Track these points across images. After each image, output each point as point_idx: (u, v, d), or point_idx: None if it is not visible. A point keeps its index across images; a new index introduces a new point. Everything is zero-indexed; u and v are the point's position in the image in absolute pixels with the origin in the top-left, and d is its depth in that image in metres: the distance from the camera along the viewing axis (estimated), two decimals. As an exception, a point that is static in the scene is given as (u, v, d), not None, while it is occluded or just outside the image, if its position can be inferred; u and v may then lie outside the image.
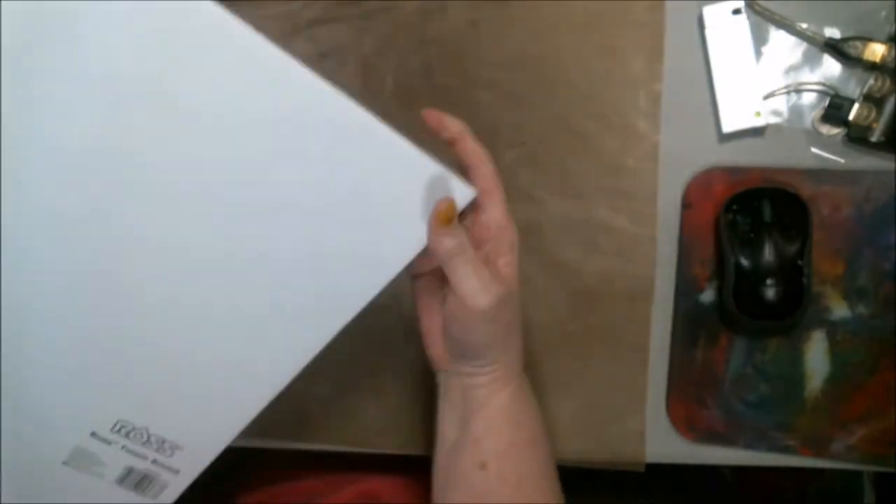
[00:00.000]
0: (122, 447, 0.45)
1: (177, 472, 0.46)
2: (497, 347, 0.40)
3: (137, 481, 0.46)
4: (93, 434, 0.44)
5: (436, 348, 0.43)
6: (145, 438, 0.45)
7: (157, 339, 0.43)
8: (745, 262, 0.53)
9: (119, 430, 0.44)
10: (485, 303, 0.38)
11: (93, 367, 0.43)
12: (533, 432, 0.43)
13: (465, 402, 0.42)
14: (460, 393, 0.42)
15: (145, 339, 0.43)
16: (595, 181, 0.55)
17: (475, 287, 0.38)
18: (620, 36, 0.55)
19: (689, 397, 0.56)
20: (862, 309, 0.54)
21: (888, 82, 0.51)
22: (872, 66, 0.52)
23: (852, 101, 0.52)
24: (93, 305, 0.42)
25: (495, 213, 0.40)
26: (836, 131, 0.53)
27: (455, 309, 0.39)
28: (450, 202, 0.38)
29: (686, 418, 0.56)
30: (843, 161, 0.53)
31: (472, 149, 0.41)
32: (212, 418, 0.46)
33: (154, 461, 0.46)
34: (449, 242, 0.38)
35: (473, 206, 0.41)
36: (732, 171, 0.54)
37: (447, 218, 0.38)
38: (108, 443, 0.45)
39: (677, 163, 0.55)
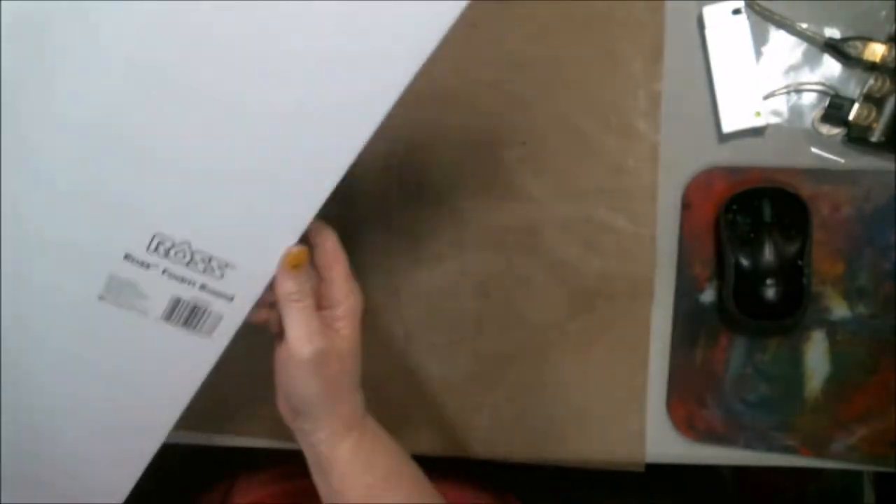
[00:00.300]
0: (164, 271, 0.39)
1: (230, 298, 0.41)
2: (322, 402, 0.42)
3: (187, 315, 0.41)
4: (127, 257, 0.38)
5: (281, 404, 0.44)
6: (188, 257, 0.39)
7: (191, 136, 0.37)
8: (745, 262, 0.53)
9: (157, 249, 0.38)
10: (306, 352, 0.40)
11: (116, 174, 0.37)
12: (389, 467, 0.44)
13: (317, 461, 0.43)
14: (311, 453, 0.43)
15: (177, 135, 0.37)
16: (595, 181, 0.55)
17: (300, 335, 0.40)
18: (620, 36, 0.55)
19: (689, 397, 0.56)
20: (862, 309, 0.54)
21: (888, 82, 0.51)
22: (872, 66, 0.52)
23: (852, 101, 0.52)
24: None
25: (335, 287, 0.42)
26: (836, 131, 0.53)
27: (282, 355, 0.41)
28: (302, 250, 0.40)
29: (686, 418, 0.56)
30: (843, 161, 0.53)
31: (314, 226, 0.42)
32: (264, 225, 0.40)
33: (203, 286, 0.40)
34: (289, 286, 0.40)
35: (318, 278, 0.43)
36: (732, 171, 0.54)
37: (295, 262, 0.40)
38: (146, 266, 0.39)
39: (677, 163, 0.55)
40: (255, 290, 0.41)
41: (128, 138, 0.36)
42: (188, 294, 0.40)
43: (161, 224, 0.38)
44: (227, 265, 0.39)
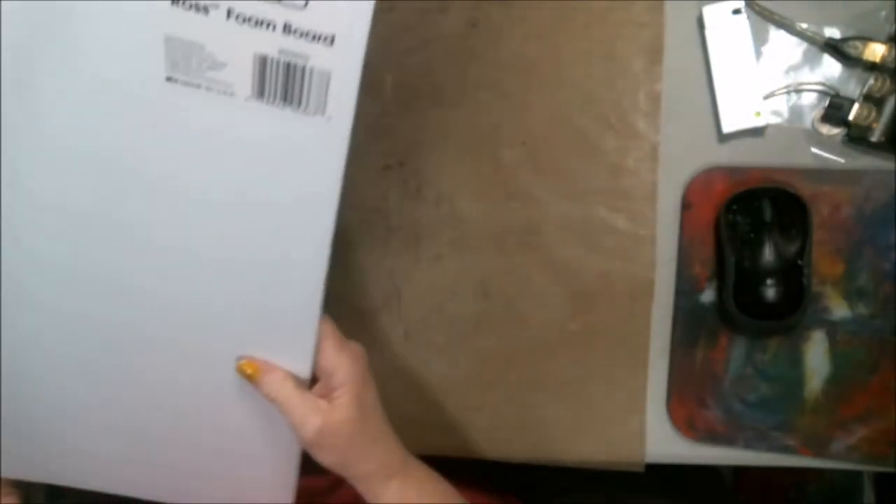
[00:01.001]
0: (227, 13, 0.29)
1: (330, 39, 0.30)
2: (347, 465, 0.44)
3: (283, 81, 0.31)
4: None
5: None
6: None
7: None
8: (745, 262, 0.53)
9: None
10: (307, 434, 0.42)
11: None
12: None
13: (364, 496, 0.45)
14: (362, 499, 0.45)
15: None
16: (595, 181, 0.55)
17: (296, 423, 0.42)
18: (620, 36, 0.55)
19: (690, 397, 0.56)
20: (862, 309, 0.54)
21: (888, 82, 0.51)
22: (872, 66, 0.52)
23: (852, 101, 0.52)
24: None
25: (324, 358, 0.43)
26: (836, 131, 0.53)
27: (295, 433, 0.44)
28: (247, 362, 0.43)
29: (686, 418, 0.56)
30: (843, 161, 0.53)
31: None
32: None
33: (287, 27, 0.30)
34: (262, 390, 0.43)
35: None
36: (732, 171, 0.54)
37: (246, 375, 0.43)
38: (205, 11, 0.29)
39: (677, 163, 0.55)
40: (362, 22, 0.30)
41: None
42: (272, 46, 0.30)
43: None
44: None
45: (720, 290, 0.54)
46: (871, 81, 0.52)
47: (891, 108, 0.51)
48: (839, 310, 0.54)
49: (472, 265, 0.57)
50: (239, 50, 0.30)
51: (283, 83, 0.31)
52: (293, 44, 0.30)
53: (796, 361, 0.55)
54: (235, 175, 0.35)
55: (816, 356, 0.54)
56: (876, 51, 0.51)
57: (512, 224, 0.56)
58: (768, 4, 0.52)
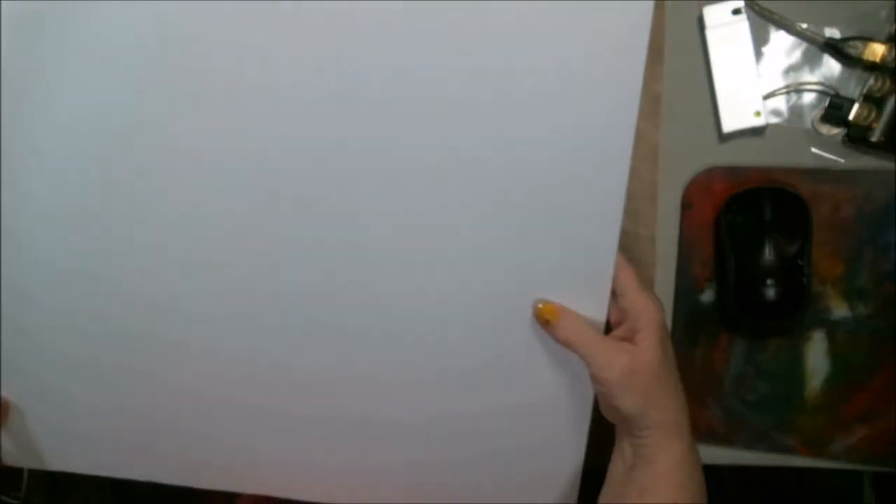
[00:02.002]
0: None
1: None
2: (641, 413, 0.42)
3: None
4: None
5: (605, 413, 0.46)
6: None
7: None
8: (745, 262, 0.53)
9: None
10: (612, 376, 0.41)
11: None
12: (699, 499, 0.44)
13: (635, 454, 0.43)
14: (629, 447, 0.44)
15: None
16: (595, 181, 0.55)
17: (599, 363, 0.42)
18: (620, 36, 0.55)
19: (690, 397, 0.55)
20: (862, 309, 0.54)
21: (888, 82, 0.51)
22: (872, 66, 0.52)
23: (852, 101, 0.52)
24: None
25: (628, 299, 0.43)
26: (836, 131, 0.53)
27: (594, 379, 0.43)
28: (545, 305, 0.43)
29: (686, 418, 0.56)
30: (843, 161, 0.53)
31: None
32: None
33: None
34: (560, 335, 0.43)
35: (613, 292, 0.44)
36: (732, 171, 0.54)
37: (544, 320, 0.43)
38: None
39: (677, 163, 0.55)
40: None
41: None
42: None
43: None
44: None
45: (720, 290, 0.54)
46: (871, 81, 0.52)
47: (891, 108, 0.51)
48: (839, 310, 0.54)
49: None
50: None
51: None
52: None
53: (796, 361, 0.55)
54: (534, 85, 0.39)
55: (816, 356, 0.54)
56: (876, 51, 0.51)
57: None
58: (768, 4, 0.52)
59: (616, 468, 0.45)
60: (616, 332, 0.44)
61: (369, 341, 0.45)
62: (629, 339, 0.42)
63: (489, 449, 0.48)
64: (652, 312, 0.42)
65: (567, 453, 0.48)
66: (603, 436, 0.45)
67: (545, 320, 0.43)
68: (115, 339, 0.47)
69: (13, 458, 0.51)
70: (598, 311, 0.43)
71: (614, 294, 0.44)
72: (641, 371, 0.41)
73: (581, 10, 0.38)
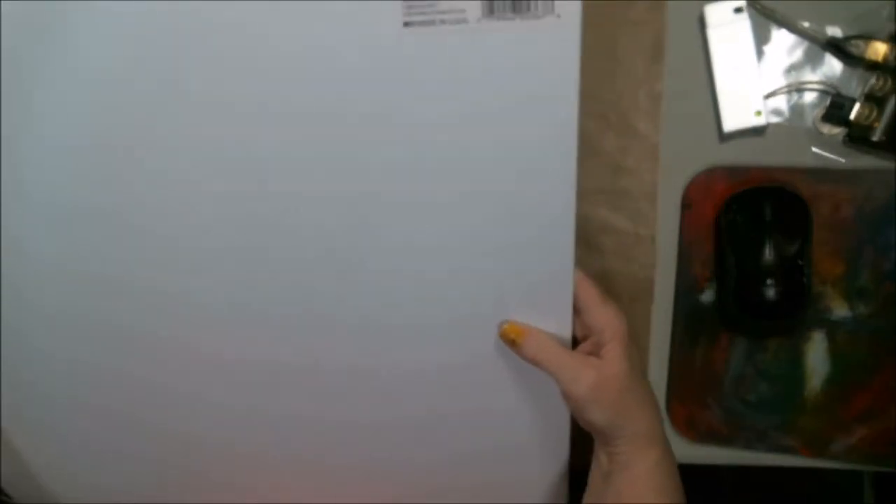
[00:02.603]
0: None
1: None
2: (613, 425, 0.42)
3: None
4: None
5: (581, 424, 0.46)
6: None
7: None
8: (745, 262, 0.53)
9: None
10: (579, 391, 0.42)
11: None
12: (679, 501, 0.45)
13: (610, 461, 0.44)
14: (605, 455, 0.44)
15: None
16: (595, 181, 0.55)
17: (567, 380, 0.42)
18: (621, 36, 0.55)
19: (690, 397, 0.55)
20: (862, 309, 0.54)
21: (890, 82, 0.51)
22: (874, 66, 0.51)
23: (853, 101, 0.52)
24: None
25: (591, 315, 0.43)
26: (837, 131, 0.53)
27: (564, 395, 0.43)
28: (510, 326, 0.43)
29: (686, 418, 0.56)
30: (843, 161, 0.53)
31: None
32: None
33: None
34: (526, 354, 0.43)
35: (575, 308, 0.44)
36: (733, 171, 0.54)
37: (509, 340, 0.43)
38: None
39: (677, 163, 0.55)
40: None
41: None
42: None
43: None
44: None
45: (720, 290, 0.54)
46: (873, 81, 0.51)
47: (892, 107, 0.51)
48: (839, 310, 0.54)
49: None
50: None
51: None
52: None
53: (796, 361, 0.55)
54: (474, 109, 0.35)
55: (816, 356, 0.54)
56: (878, 50, 0.51)
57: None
58: (770, 3, 0.52)
59: (594, 476, 0.45)
60: (582, 347, 0.44)
61: (351, 347, 0.45)
62: (595, 353, 0.43)
63: (474, 450, 0.48)
64: (615, 325, 0.43)
65: (550, 453, 0.48)
66: (589, 434, 0.45)
67: (511, 340, 0.43)
68: (106, 339, 0.46)
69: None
70: (562, 327, 0.43)
71: (577, 310, 0.44)
72: (609, 384, 0.42)
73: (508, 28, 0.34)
